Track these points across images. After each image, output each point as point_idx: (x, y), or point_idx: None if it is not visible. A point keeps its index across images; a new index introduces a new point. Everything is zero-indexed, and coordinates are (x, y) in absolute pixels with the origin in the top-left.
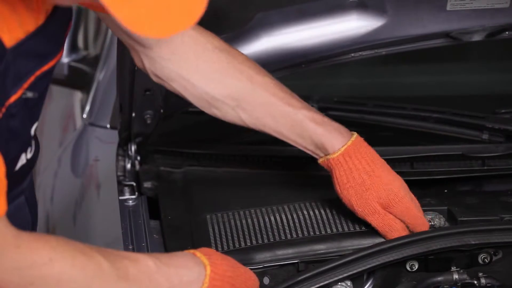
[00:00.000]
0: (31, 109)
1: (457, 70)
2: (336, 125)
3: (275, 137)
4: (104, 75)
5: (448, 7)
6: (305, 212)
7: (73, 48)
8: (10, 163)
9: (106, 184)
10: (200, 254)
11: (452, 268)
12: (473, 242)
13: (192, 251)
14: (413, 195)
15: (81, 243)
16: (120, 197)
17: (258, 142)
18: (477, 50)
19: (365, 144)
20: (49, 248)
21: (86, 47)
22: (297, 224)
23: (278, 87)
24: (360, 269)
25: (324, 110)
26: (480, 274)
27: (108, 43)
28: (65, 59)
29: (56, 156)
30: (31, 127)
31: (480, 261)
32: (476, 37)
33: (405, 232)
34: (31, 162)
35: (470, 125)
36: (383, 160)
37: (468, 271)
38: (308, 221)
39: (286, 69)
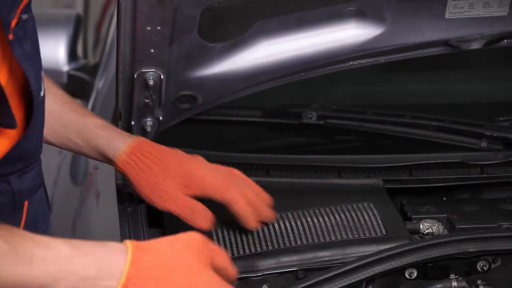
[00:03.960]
0: (31, 38)
1: (456, 78)
2: (119, 130)
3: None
4: (104, 83)
5: (447, 15)
6: (309, 219)
7: (72, 56)
8: (36, 87)
9: (105, 192)
10: (130, 244)
11: (451, 275)
12: (471, 250)
13: (128, 241)
14: (214, 167)
15: None
16: (120, 205)
17: (261, 150)
18: (475, 58)
19: (149, 142)
20: None
21: (85, 55)
22: (301, 231)
23: (65, 96)
24: (359, 278)
25: (323, 118)
26: (479, 281)
27: (108, 52)
28: (64, 67)
29: (55, 164)
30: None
31: (479, 269)
32: (475, 45)
33: (206, 212)
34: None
35: (469, 133)
36: (172, 149)
37: (467, 278)
38: (312, 228)
39: (285, 77)
